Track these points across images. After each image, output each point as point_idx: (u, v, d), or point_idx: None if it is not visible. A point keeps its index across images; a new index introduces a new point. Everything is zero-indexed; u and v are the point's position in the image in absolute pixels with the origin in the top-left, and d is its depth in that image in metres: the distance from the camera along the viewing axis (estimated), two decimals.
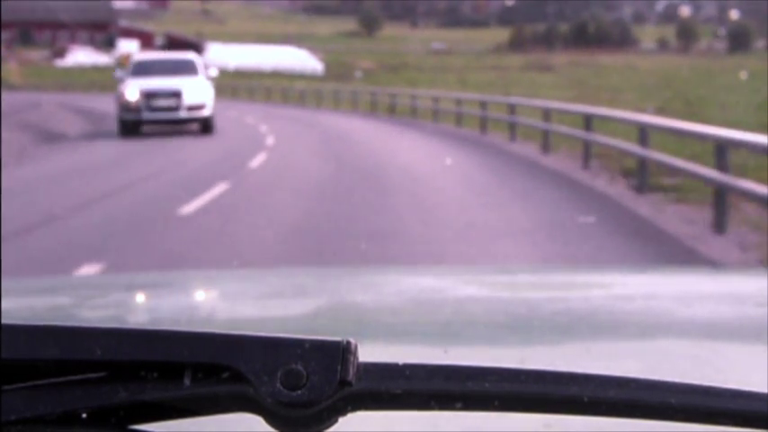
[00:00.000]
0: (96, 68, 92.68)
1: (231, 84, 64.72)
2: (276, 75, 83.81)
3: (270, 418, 0.78)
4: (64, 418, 0.79)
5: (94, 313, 1.77)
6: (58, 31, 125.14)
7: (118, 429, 0.80)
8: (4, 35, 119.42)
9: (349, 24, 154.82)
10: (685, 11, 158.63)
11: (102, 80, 74.35)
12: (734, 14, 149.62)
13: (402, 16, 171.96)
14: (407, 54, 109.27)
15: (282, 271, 3.53)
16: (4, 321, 0.79)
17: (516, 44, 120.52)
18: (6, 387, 0.79)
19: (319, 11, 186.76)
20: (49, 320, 0.83)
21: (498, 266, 6.09)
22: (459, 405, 0.79)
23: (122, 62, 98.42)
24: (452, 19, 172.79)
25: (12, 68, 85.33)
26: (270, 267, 7.32)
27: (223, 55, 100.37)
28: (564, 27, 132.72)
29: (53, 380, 0.80)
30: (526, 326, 1.64)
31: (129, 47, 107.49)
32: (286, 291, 2.05)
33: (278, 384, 0.77)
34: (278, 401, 0.77)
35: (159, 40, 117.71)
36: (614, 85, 56.25)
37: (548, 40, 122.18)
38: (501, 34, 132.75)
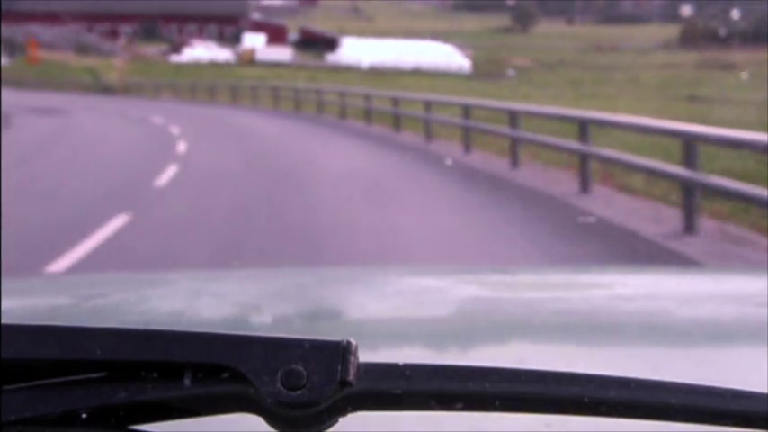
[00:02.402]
0: (214, 65, 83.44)
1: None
2: (417, 73, 74.45)
3: (270, 418, 0.78)
4: (64, 418, 0.79)
5: (94, 313, 1.75)
6: (184, 25, 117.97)
7: (118, 429, 0.80)
8: (125, 29, 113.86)
9: (501, 20, 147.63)
10: None
11: (217, 77, 62.21)
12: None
13: (557, 12, 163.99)
14: (564, 51, 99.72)
15: (282, 271, 3.37)
16: (4, 321, 0.80)
17: (687, 41, 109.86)
18: (6, 387, 0.80)
19: (470, 7, 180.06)
20: (49, 320, 0.83)
21: (498, 266, 5.65)
22: (459, 405, 0.79)
23: (244, 58, 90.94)
24: (611, 15, 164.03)
25: (117, 65, 77.20)
26: (270, 267, 6.91)
27: (358, 51, 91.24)
28: (741, 23, 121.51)
29: (53, 380, 0.80)
30: (526, 326, 1.64)
31: (254, 41, 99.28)
32: (286, 291, 2.03)
33: (278, 384, 0.77)
34: (278, 401, 0.77)
35: (293, 35, 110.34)
36: None
37: (724, 37, 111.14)
38: (666, 31, 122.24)
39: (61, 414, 0.79)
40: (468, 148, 19.98)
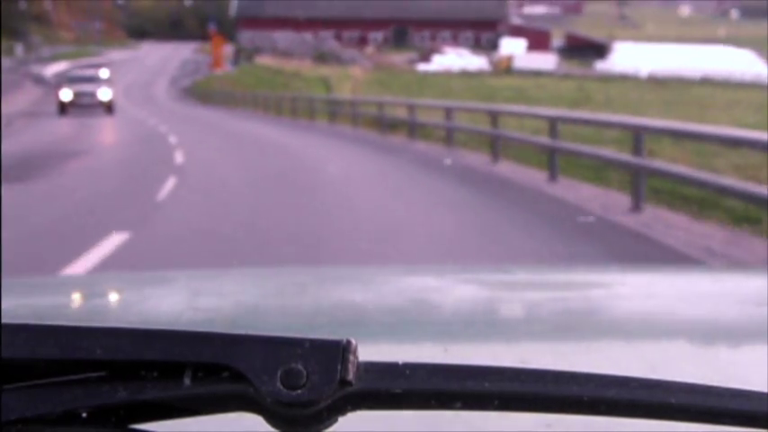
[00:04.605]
0: (465, 74, 73.04)
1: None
2: (706, 83, 63.23)
3: (270, 417, 0.79)
4: (64, 418, 0.79)
5: (94, 313, 1.76)
6: (438, 31, 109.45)
7: (118, 429, 0.81)
8: (374, 35, 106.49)
9: None
10: None
11: (467, 90, 46.93)
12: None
13: None
14: None
15: (282, 270, 3.40)
16: (4, 321, 0.80)
17: None
18: (6, 386, 0.80)
19: (752, 12, 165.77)
20: (49, 320, 0.84)
21: (498, 266, 5.71)
22: (459, 405, 0.79)
23: (500, 65, 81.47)
24: None
25: (354, 74, 68.73)
26: (270, 267, 7.00)
27: (633, 56, 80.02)
28: None
29: (53, 379, 0.80)
30: (526, 326, 1.64)
31: (513, 47, 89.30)
32: (286, 290, 2.03)
33: (278, 384, 0.77)
34: (278, 401, 0.77)
35: (557, 41, 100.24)
36: None
37: None
38: None
39: (61, 414, 0.78)
40: None
